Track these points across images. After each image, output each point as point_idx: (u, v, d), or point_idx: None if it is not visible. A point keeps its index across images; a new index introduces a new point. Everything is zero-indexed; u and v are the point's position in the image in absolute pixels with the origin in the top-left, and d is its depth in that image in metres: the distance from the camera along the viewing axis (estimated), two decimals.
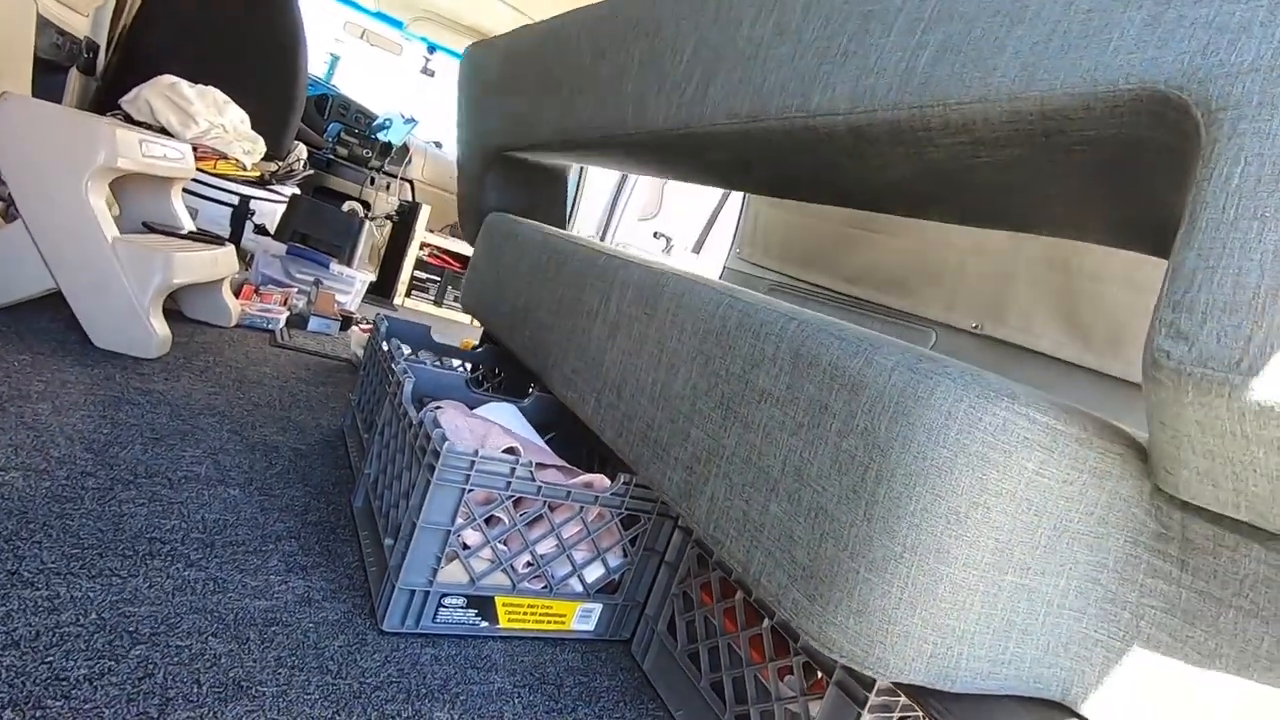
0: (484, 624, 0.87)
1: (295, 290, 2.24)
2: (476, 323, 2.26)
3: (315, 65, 3.91)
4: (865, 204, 0.93)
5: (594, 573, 0.93)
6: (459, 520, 0.82)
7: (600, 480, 0.92)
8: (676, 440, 0.79)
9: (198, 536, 0.87)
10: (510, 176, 1.79)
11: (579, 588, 0.93)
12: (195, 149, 2.42)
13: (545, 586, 0.90)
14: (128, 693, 0.61)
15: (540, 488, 0.85)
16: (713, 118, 0.86)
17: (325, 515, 1.04)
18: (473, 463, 0.80)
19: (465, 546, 0.85)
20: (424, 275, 3.47)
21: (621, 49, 1.09)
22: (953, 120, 0.61)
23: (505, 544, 0.89)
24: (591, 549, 0.92)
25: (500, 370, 1.63)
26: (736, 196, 2.59)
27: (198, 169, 2.37)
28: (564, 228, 1.80)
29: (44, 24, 1.84)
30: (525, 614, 0.90)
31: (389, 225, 3.60)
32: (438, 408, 0.98)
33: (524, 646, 0.89)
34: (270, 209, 2.56)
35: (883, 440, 0.55)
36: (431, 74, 4.10)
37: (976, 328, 1.53)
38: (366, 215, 2.57)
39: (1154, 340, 0.45)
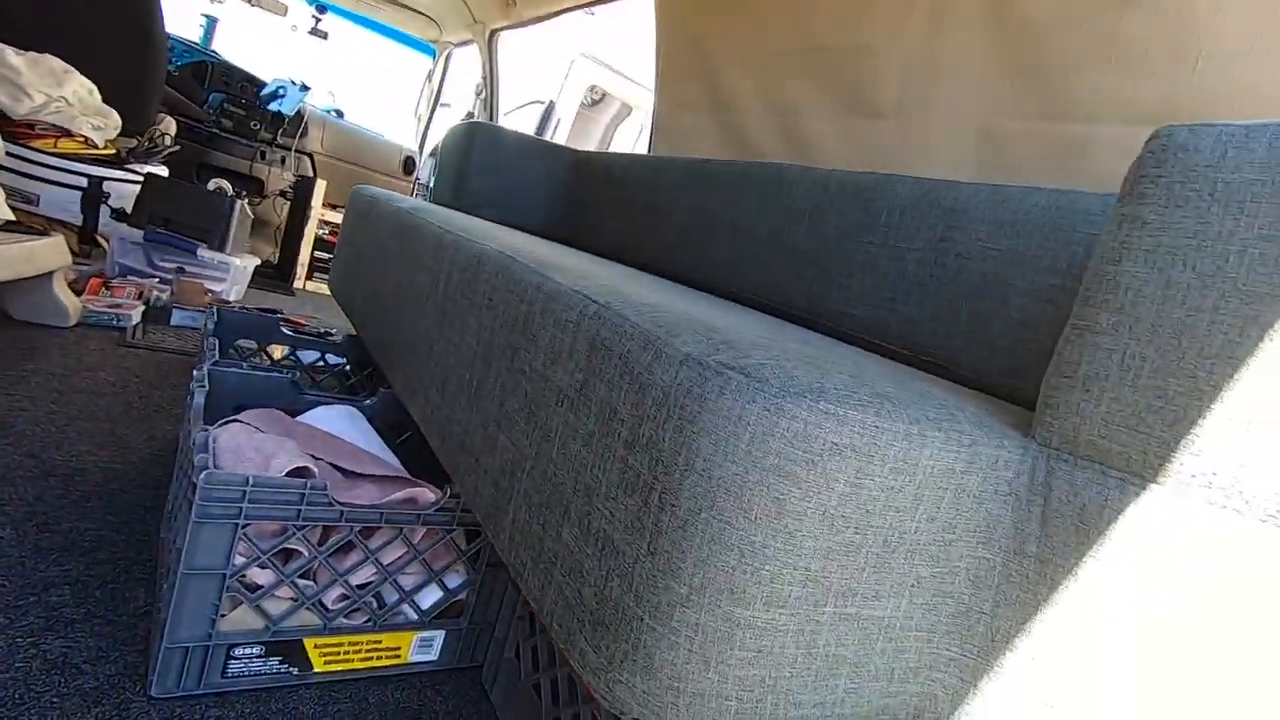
0: (294, 670, 0.75)
1: (156, 281, 2.02)
2: None
3: (188, 28, 3.57)
4: None
5: (430, 596, 0.82)
6: (239, 559, 0.68)
7: (424, 494, 0.79)
8: (486, 449, 0.67)
9: None
10: None
11: (414, 615, 0.81)
12: (33, 126, 2.15)
13: (368, 620, 0.78)
14: None
15: (343, 513, 0.72)
16: None
17: (123, 550, 0.89)
18: (245, 492, 0.66)
19: (255, 587, 0.72)
20: (325, 255, 3.24)
21: None
22: None
23: (312, 577, 0.76)
24: (425, 570, 0.81)
25: (366, 365, 1.48)
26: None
27: (33, 147, 2.11)
28: None
29: None
30: (346, 653, 0.78)
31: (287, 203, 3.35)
32: (232, 420, 0.84)
33: (345, 691, 0.77)
34: (132, 191, 2.30)
35: (667, 454, 0.44)
36: (324, 36, 3.79)
37: None
38: (240, 192, 2.34)
39: None
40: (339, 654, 0.77)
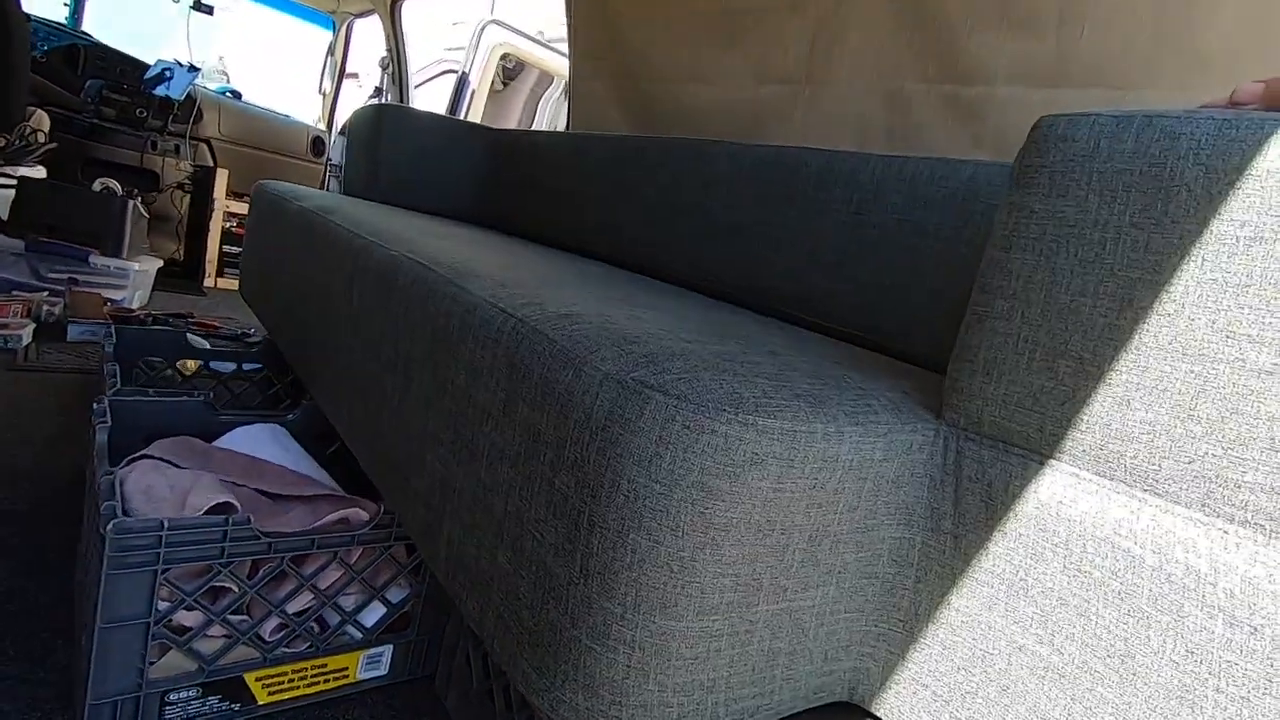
0: (236, 706, 0.73)
1: (46, 295, 1.87)
2: None
3: (48, 7, 3.25)
4: None
5: (374, 614, 0.80)
6: (163, 605, 0.66)
7: (357, 514, 0.77)
8: (414, 468, 0.65)
9: None
10: None
11: (358, 635, 0.80)
12: None
13: (311, 645, 0.76)
14: None
15: (271, 545, 0.70)
16: None
17: (37, 600, 0.84)
18: (161, 537, 0.63)
19: (184, 630, 0.69)
20: (236, 250, 3.06)
21: None
22: None
23: (245, 611, 0.74)
24: (365, 589, 0.79)
25: (288, 371, 1.42)
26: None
27: None
28: None
29: None
30: (291, 681, 0.76)
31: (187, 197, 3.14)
32: (142, 457, 0.80)
33: (294, 719, 0.76)
34: (5, 197, 2.11)
35: (592, 477, 0.44)
36: (209, 11, 3.51)
37: None
38: (131, 190, 2.18)
39: None
40: (283, 683, 0.76)
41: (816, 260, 0.99)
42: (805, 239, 1.01)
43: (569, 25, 1.79)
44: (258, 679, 0.74)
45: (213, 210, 2.94)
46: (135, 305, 2.13)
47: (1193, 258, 0.41)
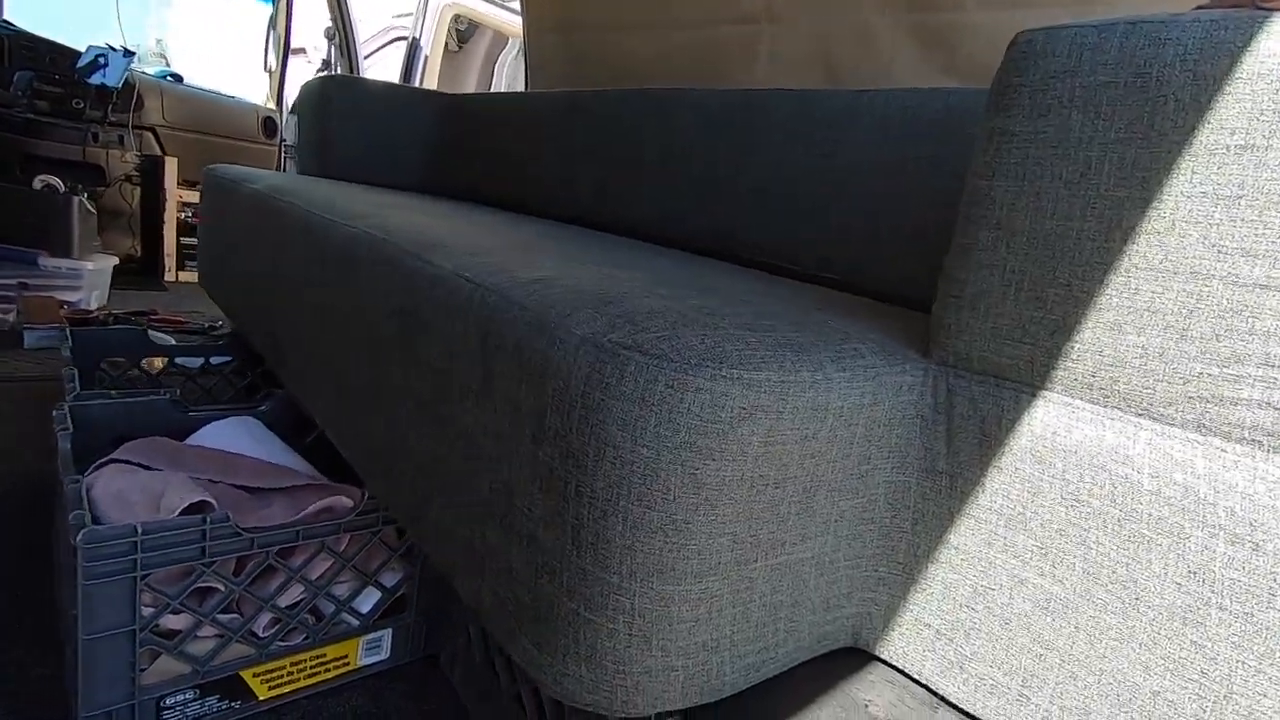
0: (236, 704, 0.72)
1: None
2: None
3: None
4: None
5: (369, 600, 0.79)
6: (147, 611, 0.64)
7: (341, 501, 0.75)
8: (399, 451, 0.63)
9: None
10: None
11: (355, 621, 0.79)
12: None
13: (306, 637, 0.75)
14: None
15: (253, 540, 0.68)
16: None
17: (12, 617, 0.82)
18: (136, 543, 0.61)
19: (173, 633, 0.67)
20: (194, 241, 2.96)
21: None
22: None
23: (238, 609, 0.72)
24: (358, 575, 0.78)
25: (257, 362, 1.38)
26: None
27: None
28: None
29: None
30: (290, 675, 0.75)
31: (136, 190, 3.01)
32: (109, 461, 0.77)
33: (296, 713, 0.75)
34: None
35: (576, 446, 0.42)
36: None
37: None
38: (75, 186, 2.08)
39: None
40: (282, 677, 0.75)
41: (790, 206, 0.97)
42: (777, 185, 0.99)
43: None
44: (256, 675, 0.72)
45: (165, 202, 2.82)
46: (94, 306, 2.06)
47: (1182, 171, 0.39)
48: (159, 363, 1.42)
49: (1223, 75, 0.37)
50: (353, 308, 0.72)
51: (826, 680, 0.54)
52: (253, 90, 3.93)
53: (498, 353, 0.49)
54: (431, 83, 3.28)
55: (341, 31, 2.88)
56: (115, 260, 2.24)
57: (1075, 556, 0.44)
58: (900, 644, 0.55)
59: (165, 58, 3.94)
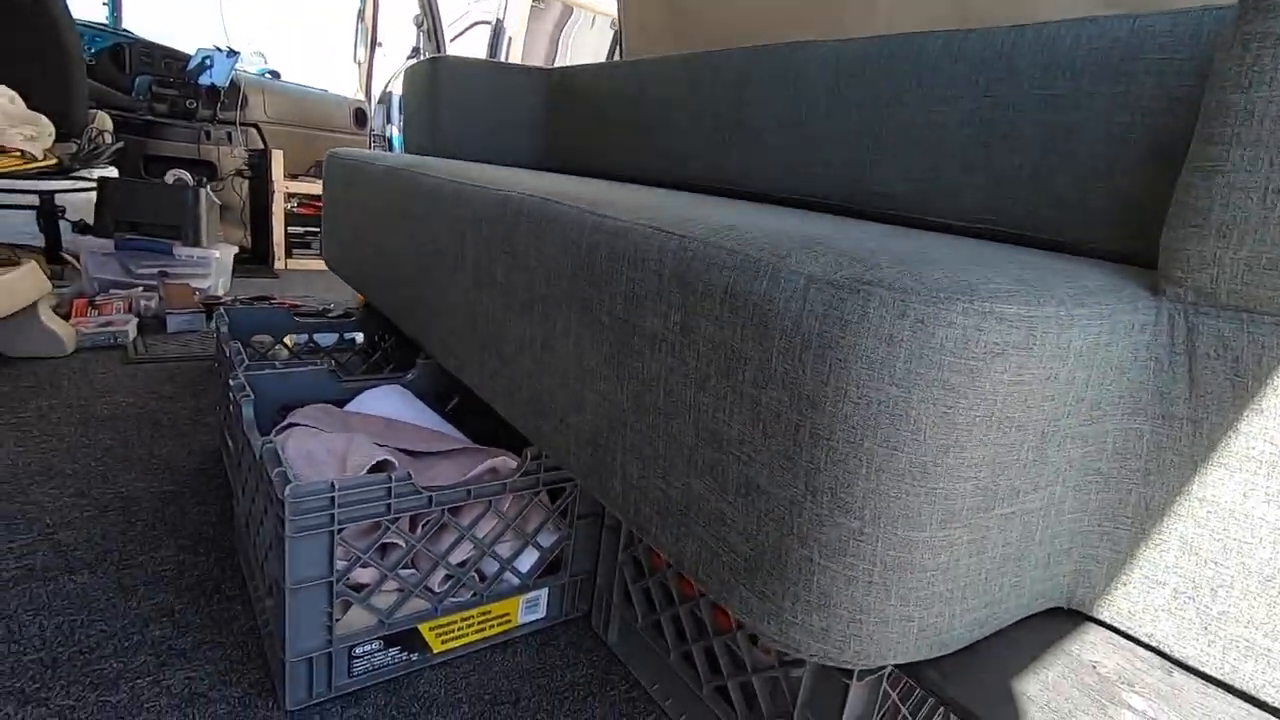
0: (414, 656, 0.75)
1: (141, 290, 1.93)
2: None
3: (88, 8, 3.27)
4: None
5: (528, 560, 0.81)
6: (340, 564, 0.67)
7: (504, 462, 0.77)
8: (572, 409, 0.63)
9: (34, 658, 0.71)
10: None
11: (516, 581, 0.80)
12: None
13: (474, 595, 0.77)
14: None
15: (431, 498, 0.70)
16: None
17: (206, 572, 0.88)
18: (333, 499, 0.64)
19: (360, 586, 0.70)
20: (300, 229, 3.11)
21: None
22: None
23: (413, 565, 0.75)
24: (518, 536, 0.79)
25: (387, 335, 1.43)
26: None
27: None
28: None
29: None
30: (460, 630, 0.77)
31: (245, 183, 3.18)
32: (291, 425, 0.81)
33: (468, 665, 0.77)
34: (86, 200, 2.17)
35: (810, 388, 0.40)
36: None
37: None
38: (200, 180, 2.21)
39: None
40: (453, 632, 0.77)
41: (936, 155, 0.92)
42: (923, 135, 0.93)
43: None
44: (431, 629, 0.75)
45: (273, 193, 2.97)
46: (220, 292, 2.19)
47: None
48: (290, 341, 1.49)
49: None
50: (513, 272, 0.72)
51: (1045, 639, 0.51)
52: (342, 82, 4.07)
53: (703, 300, 0.48)
54: (516, 59, 3.30)
55: (430, 17, 2.93)
56: (235, 250, 2.37)
57: None
58: (1125, 604, 0.51)
59: (263, 55, 4.12)
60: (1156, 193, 0.71)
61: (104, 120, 2.56)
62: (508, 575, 0.80)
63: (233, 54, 3.23)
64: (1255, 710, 0.45)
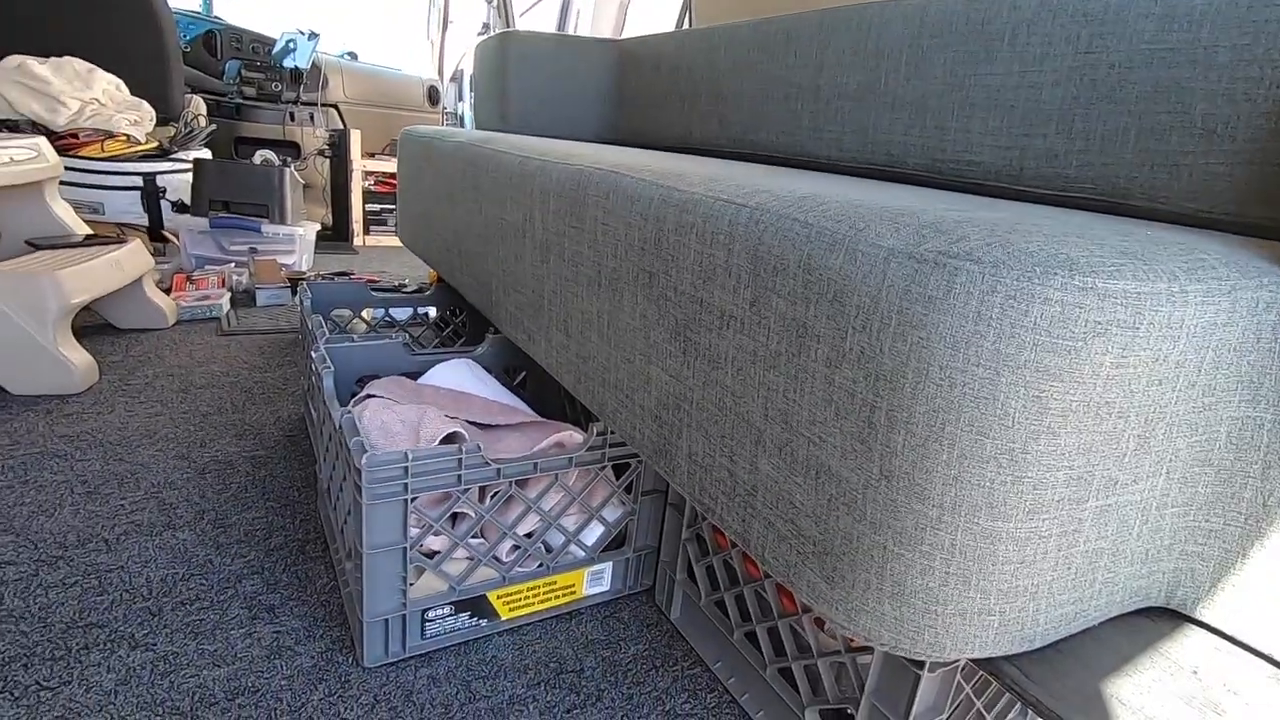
0: (483, 622, 0.77)
1: (233, 266, 2.04)
2: None
3: None
4: None
5: (593, 534, 0.82)
6: (413, 531, 0.69)
7: (570, 437, 0.77)
8: (638, 384, 0.63)
9: (142, 606, 0.77)
10: None
11: (581, 554, 0.81)
12: (76, 135, 2.15)
13: (541, 565, 0.79)
14: None
15: (499, 470, 0.71)
16: None
17: (292, 534, 0.93)
18: (406, 468, 0.66)
19: (432, 553, 0.73)
20: (377, 207, 3.21)
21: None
22: None
23: (482, 535, 0.77)
24: (584, 510, 0.80)
25: (458, 310, 1.46)
26: None
27: (84, 156, 2.11)
28: None
29: None
30: (526, 599, 0.79)
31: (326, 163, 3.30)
32: (367, 396, 0.84)
33: (534, 633, 0.79)
34: (184, 181, 2.31)
35: (888, 367, 0.38)
36: None
37: None
38: (285, 160, 2.31)
39: None
40: (520, 600, 0.79)
41: (1031, 119, 0.85)
42: (1014, 96, 0.87)
43: None
44: (499, 596, 0.77)
45: (351, 172, 3.07)
46: (304, 267, 2.29)
47: None
48: (367, 315, 1.55)
49: None
50: (581, 246, 0.72)
51: (1138, 640, 0.48)
52: (415, 61, 4.15)
53: (775, 275, 0.46)
54: (586, 29, 3.29)
55: None
56: (318, 227, 2.47)
57: None
58: (1232, 606, 0.47)
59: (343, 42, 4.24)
60: None
61: (198, 104, 2.70)
62: (573, 548, 0.81)
63: (314, 36, 3.34)
64: None
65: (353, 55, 3.94)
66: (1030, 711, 0.45)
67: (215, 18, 3.46)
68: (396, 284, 2.40)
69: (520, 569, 0.78)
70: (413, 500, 0.67)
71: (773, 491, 0.48)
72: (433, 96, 3.89)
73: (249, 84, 3.20)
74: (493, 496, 0.74)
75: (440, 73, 4.09)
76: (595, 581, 0.84)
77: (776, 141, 1.27)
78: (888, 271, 0.39)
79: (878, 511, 0.40)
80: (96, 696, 0.65)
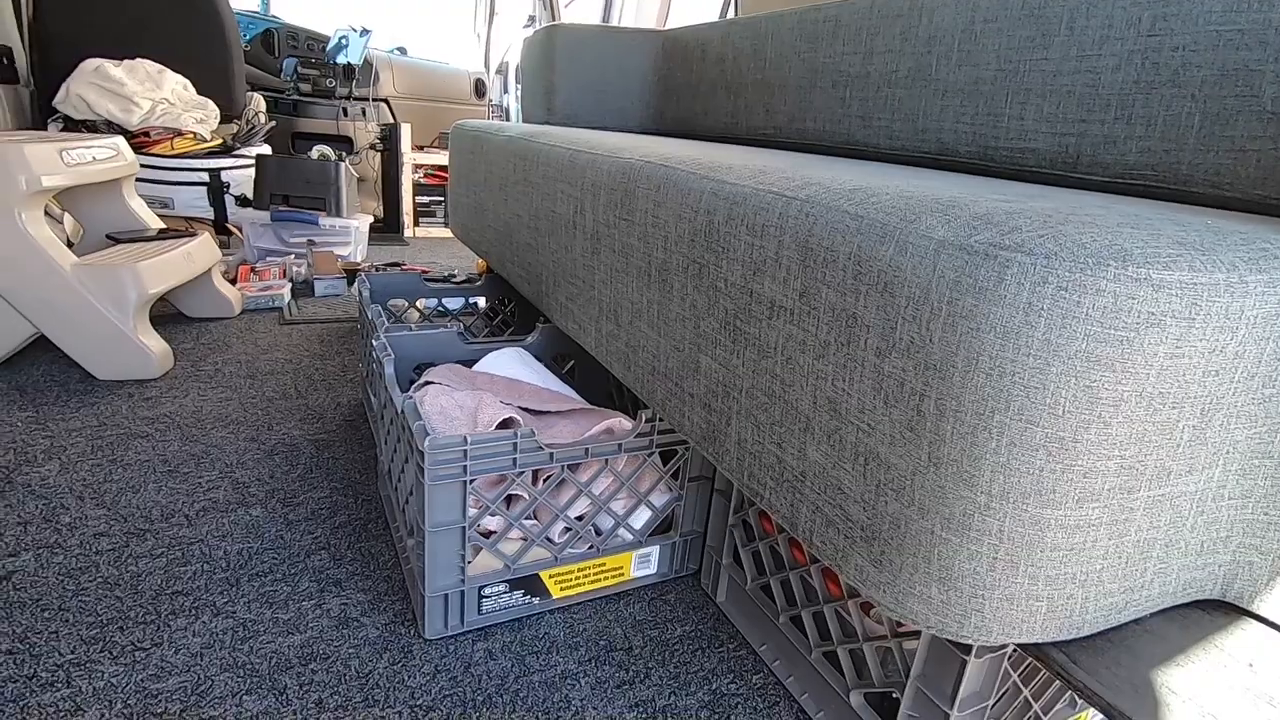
0: (535, 600, 0.80)
1: (292, 258, 2.13)
2: None
3: None
4: None
5: (640, 518, 0.84)
6: (471, 511, 0.72)
7: (619, 424, 0.80)
8: (687, 373, 0.65)
9: (222, 577, 0.83)
10: None
11: (629, 537, 0.84)
12: (148, 134, 2.26)
13: (591, 547, 0.82)
14: None
15: (552, 455, 0.74)
16: None
17: (355, 512, 0.98)
18: (465, 451, 0.69)
19: (488, 533, 0.76)
20: (426, 199, 3.29)
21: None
22: None
23: (535, 516, 0.80)
24: (632, 495, 0.83)
25: (507, 300, 1.50)
26: None
27: (155, 154, 2.23)
28: None
29: None
30: (577, 579, 0.82)
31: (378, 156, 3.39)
32: (427, 383, 0.87)
33: (584, 612, 0.82)
34: (247, 176, 2.41)
35: (938, 357, 0.39)
36: None
37: None
38: (340, 155, 2.39)
39: None
40: (571, 580, 0.82)
41: (1089, 104, 0.83)
42: (1071, 82, 0.85)
43: None
44: (550, 576, 0.80)
45: (402, 165, 3.15)
46: (358, 259, 2.37)
47: None
48: (421, 304, 1.60)
49: None
50: (631, 238, 0.74)
51: (1191, 631, 0.48)
52: (462, 55, 4.22)
53: (825, 266, 0.47)
54: (630, 20, 3.29)
55: None
56: (371, 219, 2.55)
57: None
58: None
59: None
60: None
61: (259, 102, 2.80)
62: (622, 531, 0.83)
63: (365, 32, 3.42)
64: None
65: (402, 50, 4.03)
66: (1078, 699, 0.46)
67: (273, 16, 3.58)
68: (447, 274, 2.46)
69: (571, 550, 0.81)
70: (471, 482, 0.71)
71: (821, 477, 0.49)
72: (479, 89, 3.95)
73: (305, 80, 3.31)
74: (545, 480, 0.77)
75: (486, 65, 4.15)
76: (643, 564, 0.86)
77: (824, 130, 1.27)
78: (938, 263, 0.39)
79: (926, 497, 0.41)
80: (185, 657, 0.70)
